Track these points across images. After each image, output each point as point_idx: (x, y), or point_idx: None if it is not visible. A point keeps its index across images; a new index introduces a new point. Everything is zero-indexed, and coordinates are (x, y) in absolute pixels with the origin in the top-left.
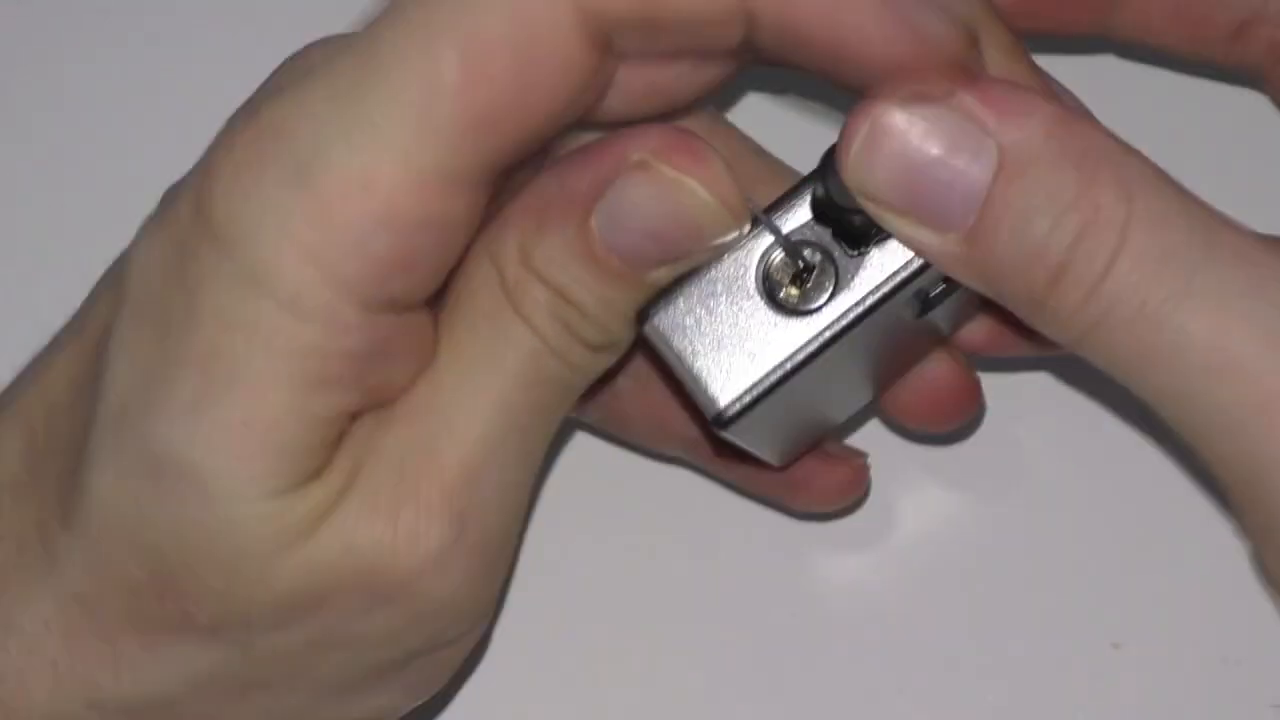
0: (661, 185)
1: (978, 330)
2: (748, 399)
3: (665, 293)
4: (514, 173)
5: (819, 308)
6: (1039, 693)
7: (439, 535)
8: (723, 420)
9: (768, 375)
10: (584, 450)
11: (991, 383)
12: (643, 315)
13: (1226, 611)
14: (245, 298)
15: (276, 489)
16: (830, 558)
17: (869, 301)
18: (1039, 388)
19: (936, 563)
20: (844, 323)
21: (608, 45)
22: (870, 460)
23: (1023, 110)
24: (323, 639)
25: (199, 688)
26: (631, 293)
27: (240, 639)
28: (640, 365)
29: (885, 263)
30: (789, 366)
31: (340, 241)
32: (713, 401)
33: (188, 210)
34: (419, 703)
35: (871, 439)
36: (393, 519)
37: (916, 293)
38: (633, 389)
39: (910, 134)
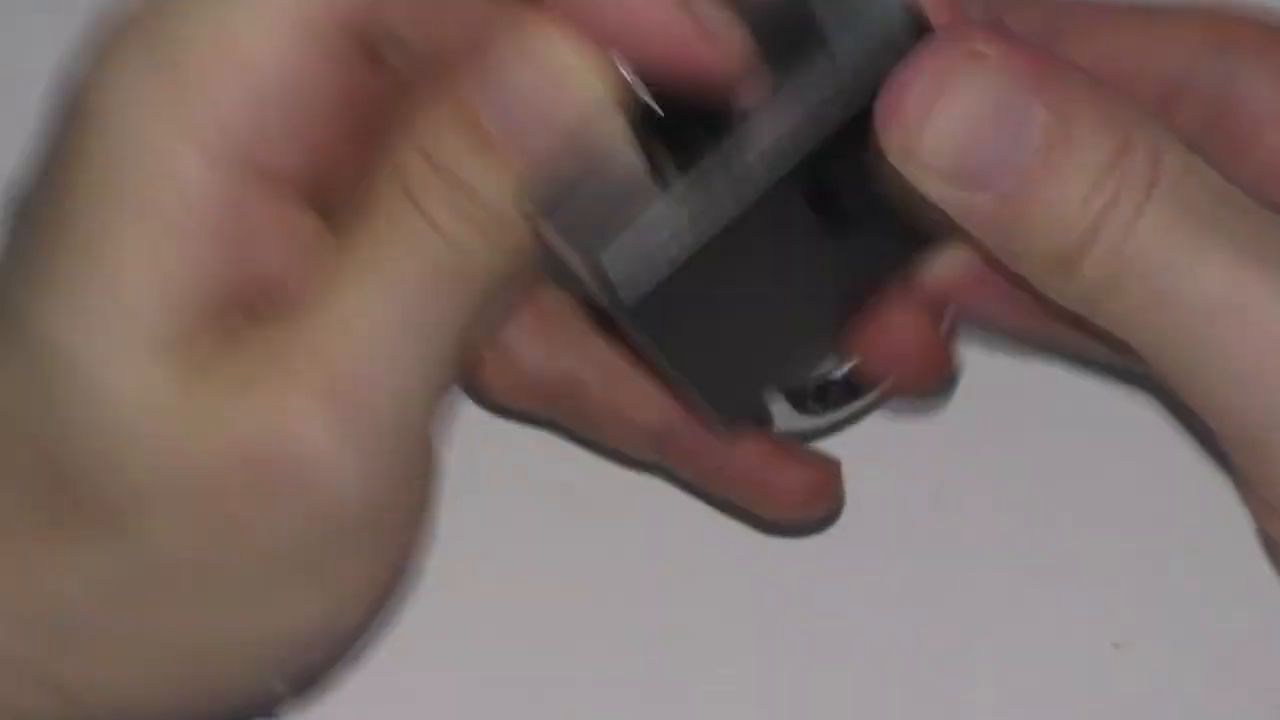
0: (531, 57)
1: (950, 274)
2: (652, 281)
3: (561, 193)
4: (383, 47)
5: (714, 194)
6: (1039, 693)
7: (325, 425)
8: (626, 306)
9: (668, 258)
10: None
11: (994, 378)
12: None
13: (1226, 612)
14: (112, 175)
15: (157, 376)
16: (818, 562)
17: (759, 180)
18: (1040, 387)
19: (936, 563)
20: (738, 202)
21: None
22: (847, 471)
23: (1062, 74)
24: (220, 534)
25: (103, 596)
26: (525, 178)
27: (136, 536)
28: (605, 357)
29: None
30: (687, 246)
31: (202, 113)
32: (614, 289)
33: (66, 100)
34: (345, 625)
35: (870, 440)
36: (280, 408)
37: (811, 170)
38: (598, 382)
39: (956, 99)
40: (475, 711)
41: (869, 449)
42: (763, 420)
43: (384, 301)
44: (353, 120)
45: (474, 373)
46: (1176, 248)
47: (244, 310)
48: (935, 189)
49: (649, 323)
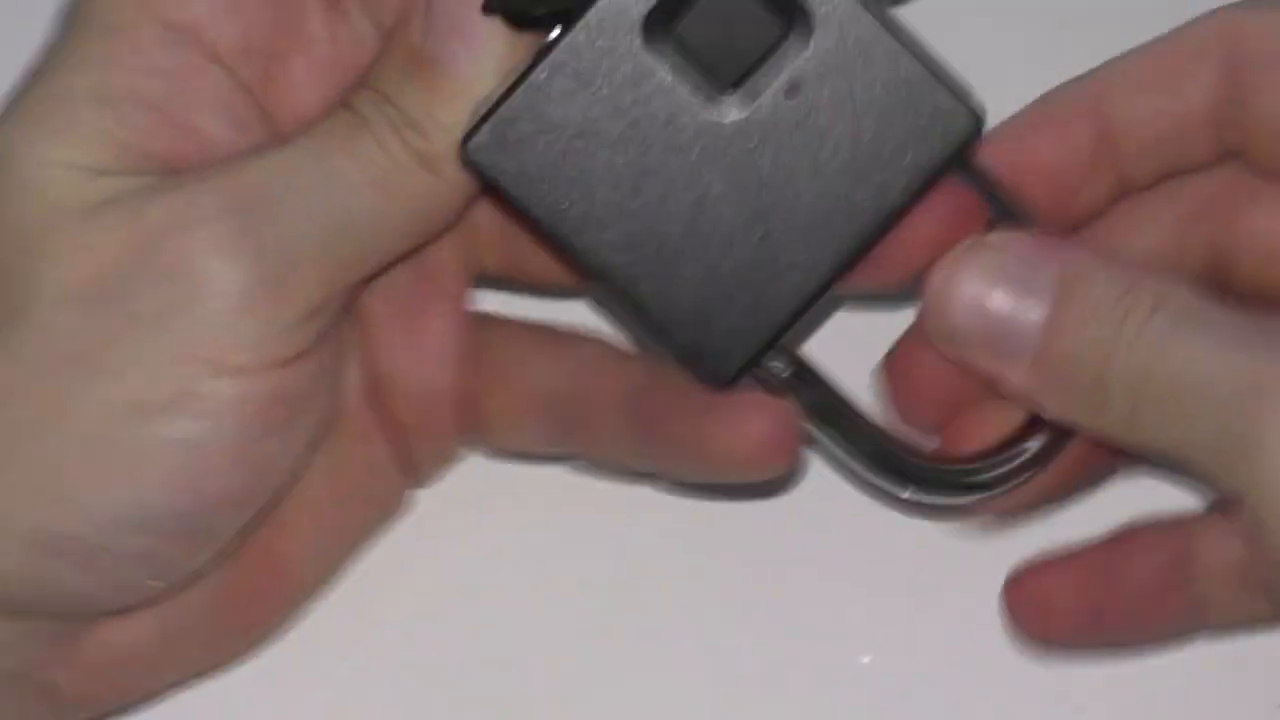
0: None
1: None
2: (483, 113)
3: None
4: None
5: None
6: (1039, 693)
7: (223, 221)
8: (469, 152)
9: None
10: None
11: None
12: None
13: None
14: (81, 33)
15: (75, 163)
16: (817, 562)
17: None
18: None
19: (935, 562)
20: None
21: None
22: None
23: (1073, 247)
24: (117, 321)
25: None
26: (451, 101)
27: (41, 325)
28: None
29: None
30: (529, 71)
31: None
32: (465, 146)
33: None
34: (214, 490)
35: None
36: (186, 203)
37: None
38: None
39: (975, 284)
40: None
41: None
42: (779, 388)
43: (309, 162)
44: (290, 27)
45: (474, 419)
46: (1189, 347)
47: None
48: (980, 367)
49: (502, 169)
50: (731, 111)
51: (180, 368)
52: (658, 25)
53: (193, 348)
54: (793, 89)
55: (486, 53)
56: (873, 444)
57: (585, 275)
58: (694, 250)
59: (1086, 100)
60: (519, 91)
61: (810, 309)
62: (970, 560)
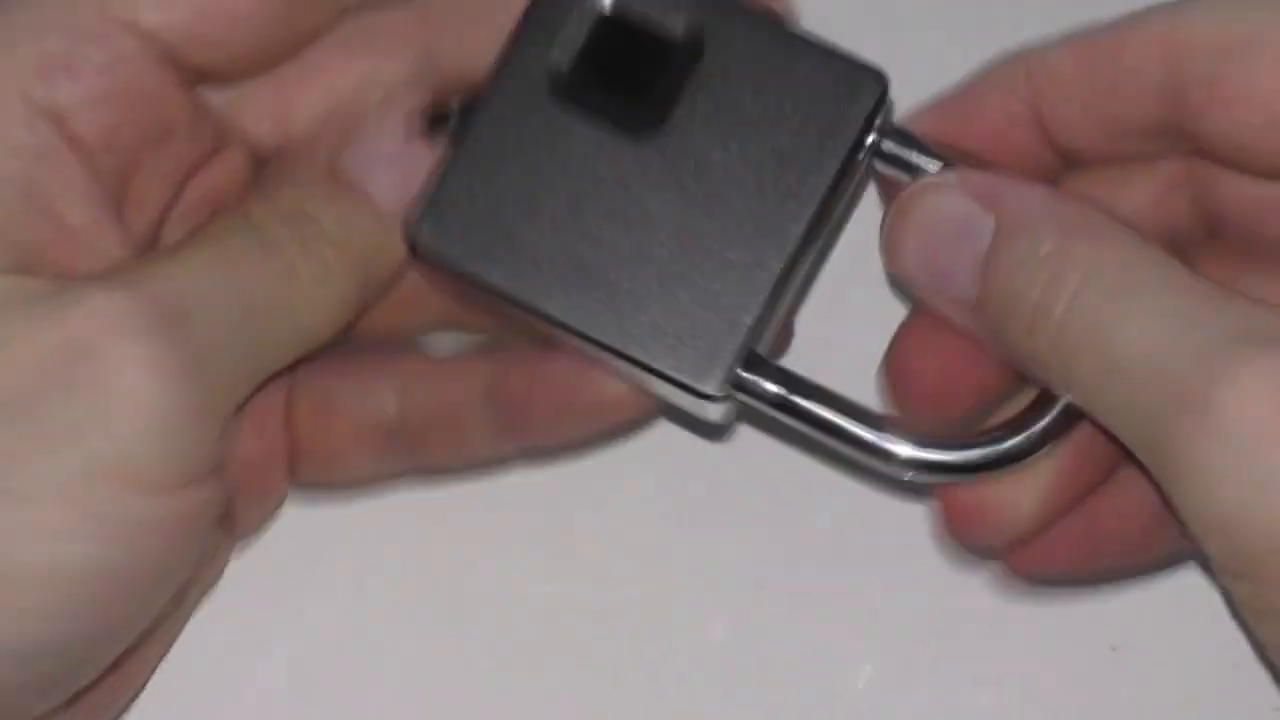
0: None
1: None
2: (426, 200)
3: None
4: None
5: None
6: (1039, 694)
7: (143, 337)
8: (417, 241)
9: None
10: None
11: None
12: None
13: (1226, 614)
14: None
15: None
16: (813, 562)
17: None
18: None
19: (934, 562)
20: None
21: None
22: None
23: (1020, 190)
24: (27, 440)
25: None
26: (373, 223)
27: None
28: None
29: None
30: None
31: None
32: (410, 234)
33: None
34: (108, 587)
35: None
36: (103, 315)
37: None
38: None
39: (922, 226)
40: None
41: None
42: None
43: (221, 278)
44: (153, 125)
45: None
46: (1108, 324)
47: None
48: (934, 307)
49: (452, 250)
50: (650, 142)
51: (94, 489)
52: (561, 82)
53: (109, 466)
54: (701, 105)
55: (409, 184)
56: (873, 427)
57: (554, 332)
58: (650, 280)
59: (1021, 92)
60: (448, 177)
61: (779, 303)
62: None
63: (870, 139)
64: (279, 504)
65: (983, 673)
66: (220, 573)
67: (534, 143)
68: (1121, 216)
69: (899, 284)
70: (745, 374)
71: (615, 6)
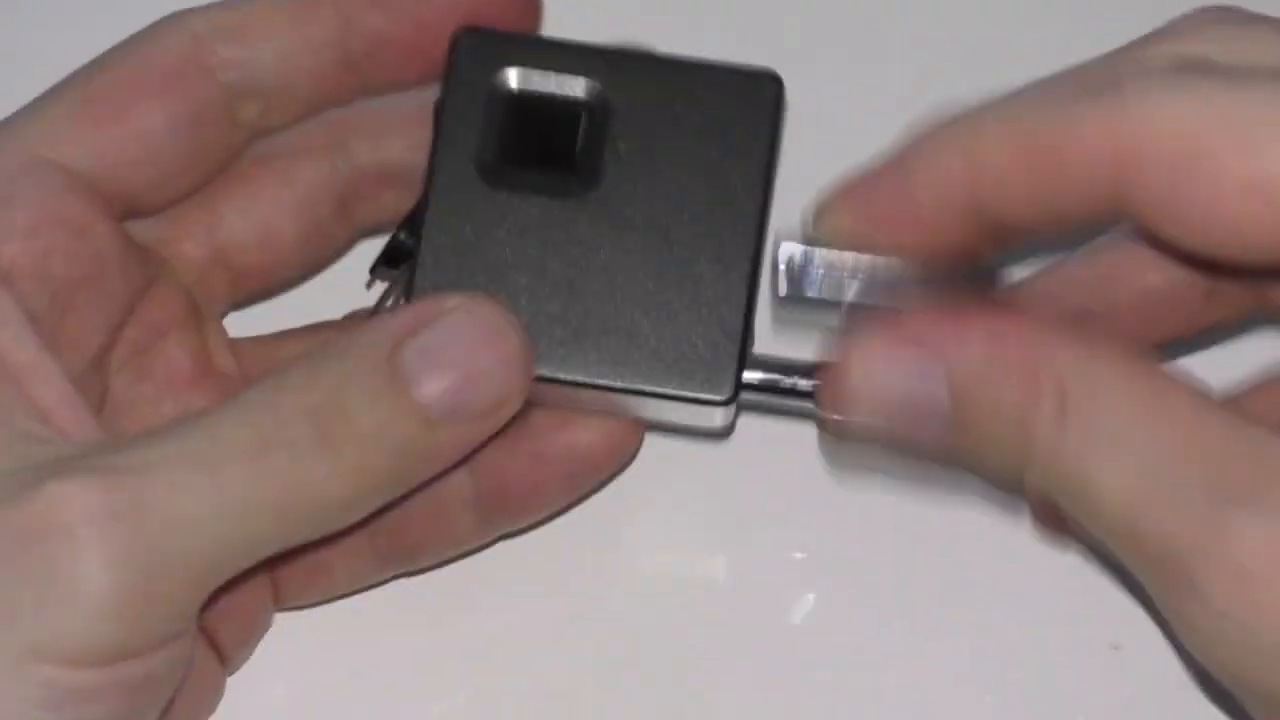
0: (484, 318)
1: None
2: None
3: None
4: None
5: None
6: (1039, 693)
7: (98, 526)
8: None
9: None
10: None
11: None
12: None
13: None
14: None
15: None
16: (812, 561)
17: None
18: None
19: (933, 562)
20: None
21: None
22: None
23: (958, 337)
24: None
25: None
26: (411, 418)
27: None
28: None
29: None
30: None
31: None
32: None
33: None
34: None
35: None
36: (61, 500)
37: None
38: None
39: (876, 381)
40: None
41: None
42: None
43: (199, 473)
44: (84, 258)
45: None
46: (1088, 480)
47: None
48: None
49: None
50: (591, 198)
51: (38, 665)
52: (492, 170)
53: (52, 646)
54: (622, 146)
55: (469, 395)
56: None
57: (562, 392)
58: (634, 318)
59: (957, 178)
60: (416, 282)
61: (755, 297)
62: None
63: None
64: (265, 631)
65: (984, 671)
66: (216, 703)
67: (485, 233)
68: (1077, 319)
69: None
70: (748, 373)
71: (520, 83)
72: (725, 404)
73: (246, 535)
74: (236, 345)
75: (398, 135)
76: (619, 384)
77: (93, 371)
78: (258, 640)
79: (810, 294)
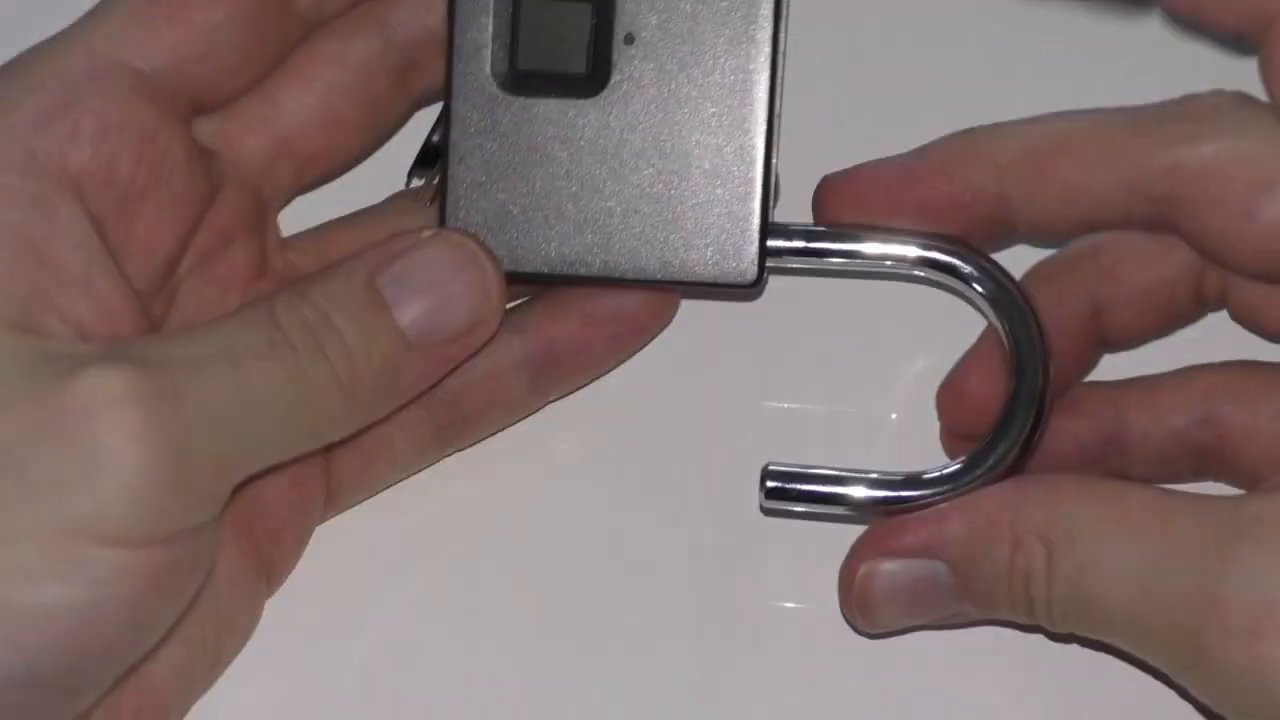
0: (454, 249)
1: None
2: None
3: None
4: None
5: None
6: (1039, 693)
7: (130, 409)
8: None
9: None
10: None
11: None
12: None
13: None
14: None
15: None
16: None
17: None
18: None
19: None
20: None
21: None
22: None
23: (936, 523)
24: (13, 487)
25: None
26: (394, 345)
27: None
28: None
29: None
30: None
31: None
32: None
33: None
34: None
35: (871, 434)
36: (98, 383)
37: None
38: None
39: (882, 591)
40: None
41: (867, 448)
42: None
43: (221, 367)
44: (152, 162)
45: None
46: (1094, 602)
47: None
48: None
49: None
50: (603, 88)
51: (71, 539)
52: (507, 78)
53: (85, 522)
54: (628, 38)
55: (439, 317)
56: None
57: (591, 287)
58: (654, 203)
59: (990, 185)
60: (450, 197)
61: (771, 174)
62: None
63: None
64: (308, 538)
65: (984, 670)
66: (256, 619)
67: (506, 139)
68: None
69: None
70: (772, 243)
71: None
72: (751, 286)
73: (262, 430)
74: (286, 242)
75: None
76: (646, 275)
77: (163, 278)
78: (302, 549)
79: (796, 509)
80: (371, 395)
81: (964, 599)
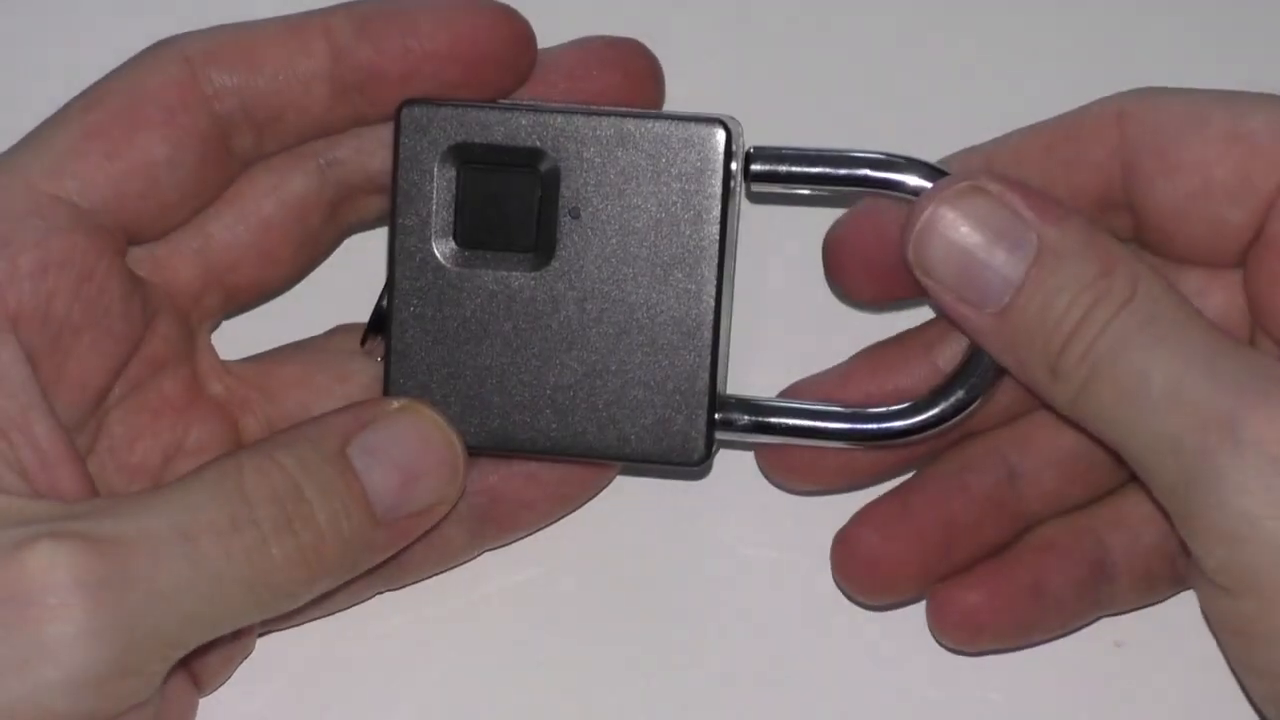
0: (426, 425)
1: None
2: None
3: None
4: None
5: None
6: (1040, 692)
7: (77, 595)
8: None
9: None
10: None
11: None
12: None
13: None
14: None
15: None
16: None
17: None
18: None
19: None
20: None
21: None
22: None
23: (1063, 213)
24: None
25: None
26: (361, 513)
27: None
28: None
29: None
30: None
31: None
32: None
33: None
34: None
35: None
36: (44, 564)
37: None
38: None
39: (960, 225)
40: None
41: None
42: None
43: (175, 544)
44: (88, 297)
45: None
46: (1135, 350)
47: None
48: (945, 303)
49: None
50: (548, 261)
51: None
52: (445, 245)
53: (21, 708)
54: (574, 211)
55: (411, 494)
56: (820, 422)
57: (539, 458)
58: (601, 378)
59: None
60: (394, 366)
61: (719, 352)
62: None
63: (735, 169)
64: (245, 658)
65: (986, 669)
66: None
67: (451, 310)
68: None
69: (914, 266)
70: (719, 418)
71: (468, 157)
72: (697, 464)
73: (215, 610)
74: (226, 367)
75: (380, 142)
76: (593, 452)
77: (92, 409)
78: (236, 667)
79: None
80: (334, 570)
81: (1007, 308)
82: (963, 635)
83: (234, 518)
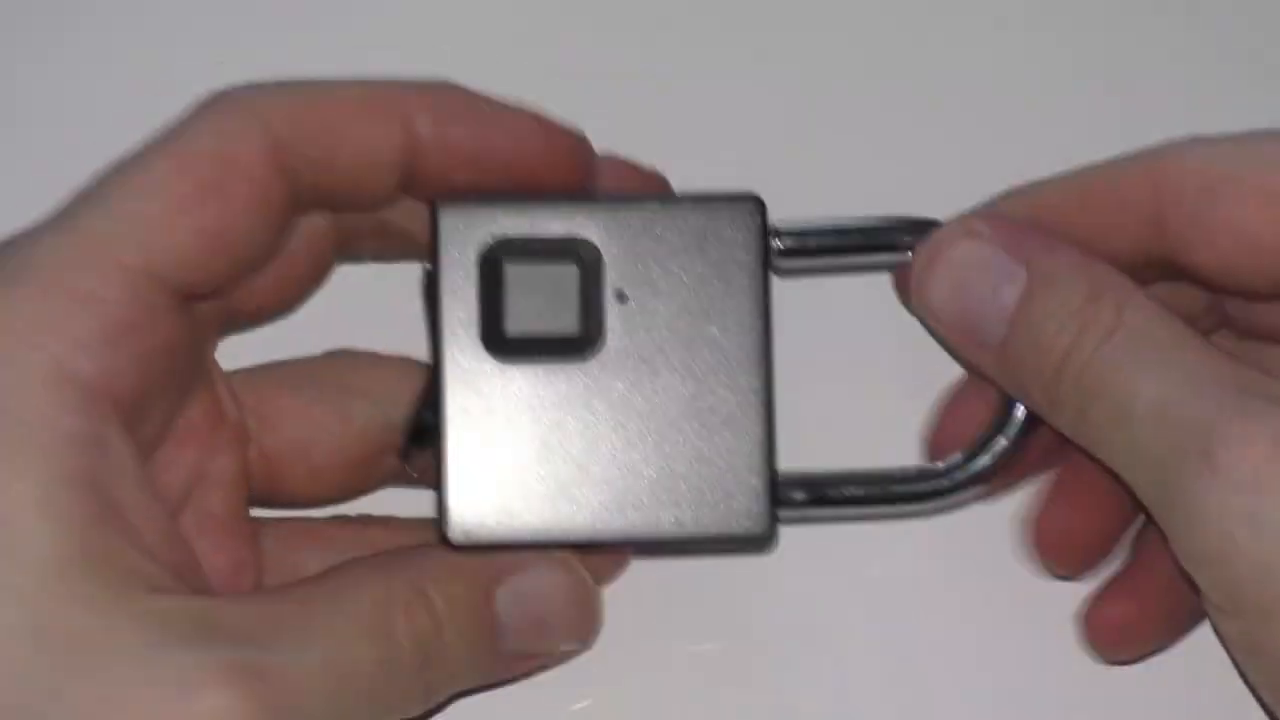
0: (573, 583)
1: None
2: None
3: None
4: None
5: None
6: (1040, 692)
7: (254, 703)
8: (456, 536)
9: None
10: None
11: None
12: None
13: None
14: None
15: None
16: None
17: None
18: None
19: (935, 560)
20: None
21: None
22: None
23: (1052, 245)
24: None
25: None
26: (490, 655)
27: None
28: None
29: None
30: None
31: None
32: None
33: None
34: None
35: (870, 433)
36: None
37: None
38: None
39: (955, 267)
40: None
41: (871, 445)
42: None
43: (326, 664)
44: (164, 359)
45: None
46: (1126, 374)
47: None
48: (955, 345)
49: (486, 533)
50: (597, 351)
51: None
52: (493, 340)
53: None
54: (620, 295)
55: (548, 647)
56: (877, 488)
57: (603, 552)
58: (661, 463)
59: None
60: (448, 473)
61: (773, 425)
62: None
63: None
64: None
65: (985, 669)
66: None
67: (501, 409)
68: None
69: (922, 315)
70: (779, 494)
71: (510, 251)
72: (763, 538)
73: None
74: (230, 390)
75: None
76: (659, 536)
77: (184, 490)
78: None
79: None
80: (444, 694)
81: (1005, 332)
82: (1118, 650)
83: (381, 660)
